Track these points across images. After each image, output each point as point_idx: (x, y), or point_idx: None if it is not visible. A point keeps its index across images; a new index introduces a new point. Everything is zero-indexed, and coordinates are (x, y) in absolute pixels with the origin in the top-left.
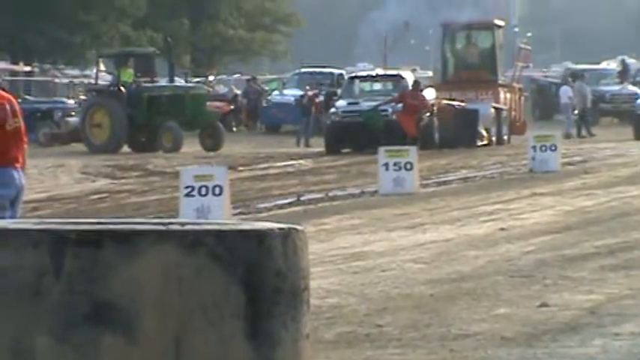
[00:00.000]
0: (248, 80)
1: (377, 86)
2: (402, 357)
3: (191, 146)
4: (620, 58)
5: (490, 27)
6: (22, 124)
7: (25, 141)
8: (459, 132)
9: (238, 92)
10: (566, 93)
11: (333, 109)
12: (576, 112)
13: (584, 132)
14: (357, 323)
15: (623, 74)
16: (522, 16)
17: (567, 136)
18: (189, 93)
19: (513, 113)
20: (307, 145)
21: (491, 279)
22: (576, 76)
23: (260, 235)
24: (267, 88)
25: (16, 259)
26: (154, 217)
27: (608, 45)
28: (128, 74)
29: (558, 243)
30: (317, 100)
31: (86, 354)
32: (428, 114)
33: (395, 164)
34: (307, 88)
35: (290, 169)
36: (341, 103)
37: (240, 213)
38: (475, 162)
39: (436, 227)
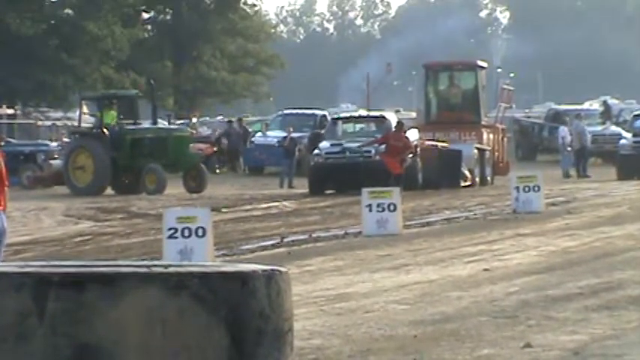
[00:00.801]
0: (229, 121)
1: (360, 127)
2: None
3: (174, 188)
4: (602, 98)
5: (473, 68)
6: (3, 167)
7: (6, 184)
8: (442, 173)
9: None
10: (561, 133)
11: (316, 151)
12: (569, 149)
13: (576, 171)
14: None
15: (606, 115)
16: (505, 56)
17: (566, 175)
18: (172, 135)
19: (496, 154)
20: (290, 186)
21: (474, 320)
22: (574, 116)
23: (243, 277)
24: (250, 129)
25: None
26: (138, 260)
27: (591, 85)
28: (111, 116)
29: (542, 283)
30: (299, 145)
31: None
32: (411, 155)
33: (378, 205)
34: (290, 129)
35: (273, 211)
36: (324, 144)
37: (224, 255)
38: (458, 203)
39: (419, 268)
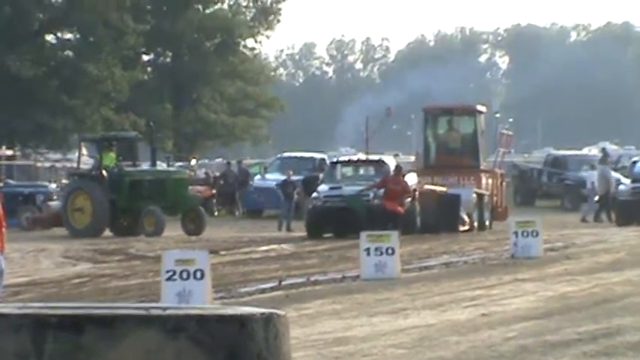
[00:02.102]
0: (227, 163)
1: (359, 171)
2: None
3: (173, 230)
4: (600, 144)
5: (472, 112)
6: (0, 209)
7: (3, 225)
8: (440, 217)
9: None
10: (590, 178)
11: (315, 194)
12: (596, 198)
13: (604, 216)
14: None
15: (604, 161)
16: (504, 101)
17: (583, 220)
18: (171, 177)
19: (495, 199)
20: (289, 229)
21: None
22: (601, 160)
23: (242, 320)
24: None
25: None
26: (136, 302)
27: (590, 131)
28: (110, 158)
29: (540, 329)
30: (297, 188)
31: None
32: (410, 199)
33: (377, 249)
34: (290, 172)
35: (272, 254)
36: (323, 187)
37: (222, 297)
38: (457, 247)
39: (418, 312)
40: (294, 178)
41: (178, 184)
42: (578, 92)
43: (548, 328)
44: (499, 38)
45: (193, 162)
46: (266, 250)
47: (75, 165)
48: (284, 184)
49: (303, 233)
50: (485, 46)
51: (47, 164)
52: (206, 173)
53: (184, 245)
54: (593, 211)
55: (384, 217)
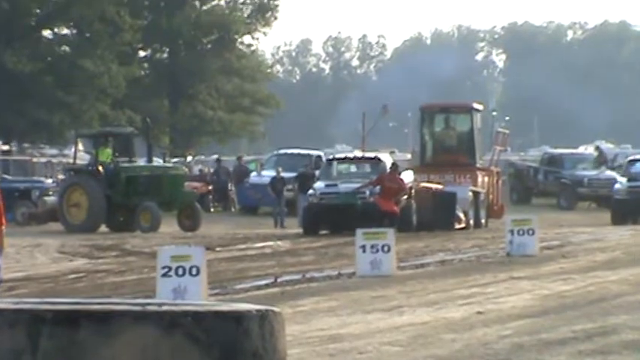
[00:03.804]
0: (217, 160)
1: (355, 168)
2: None
3: (169, 226)
4: (596, 143)
5: (468, 110)
6: (1, 205)
7: (2, 222)
8: (436, 215)
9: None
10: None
11: (311, 191)
12: None
13: None
14: None
15: (600, 159)
16: (500, 99)
17: None
18: (167, 173)
19: (491, 197)
20: (282, 226)
21: None
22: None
23: (237, 317)
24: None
25: None
26: (132, 298)
27: (587, 129)
28: (106, 154)
29: (535, 327)
30: (287, 184)
31: None
32: (406, 196)
33: (372, 246)
34: (279, 169)
35: (267, 251)
36: (319, 184)
37: (218, 294)
38: (453, 245)
39: (413, 310)
40: (287, 175)
41: (174, 180)
42: (574, 91)
43: (544, 326)
44: (496, 36)
45: (189, 158)
46: (262, 247)
47: (71, 160)
48: (273, 182)
49: (299, 230)
50: (482, 44)
51: (43, 159)
52: (200, 170)
53: (180, 241)
54: None
55: (379, 214)
